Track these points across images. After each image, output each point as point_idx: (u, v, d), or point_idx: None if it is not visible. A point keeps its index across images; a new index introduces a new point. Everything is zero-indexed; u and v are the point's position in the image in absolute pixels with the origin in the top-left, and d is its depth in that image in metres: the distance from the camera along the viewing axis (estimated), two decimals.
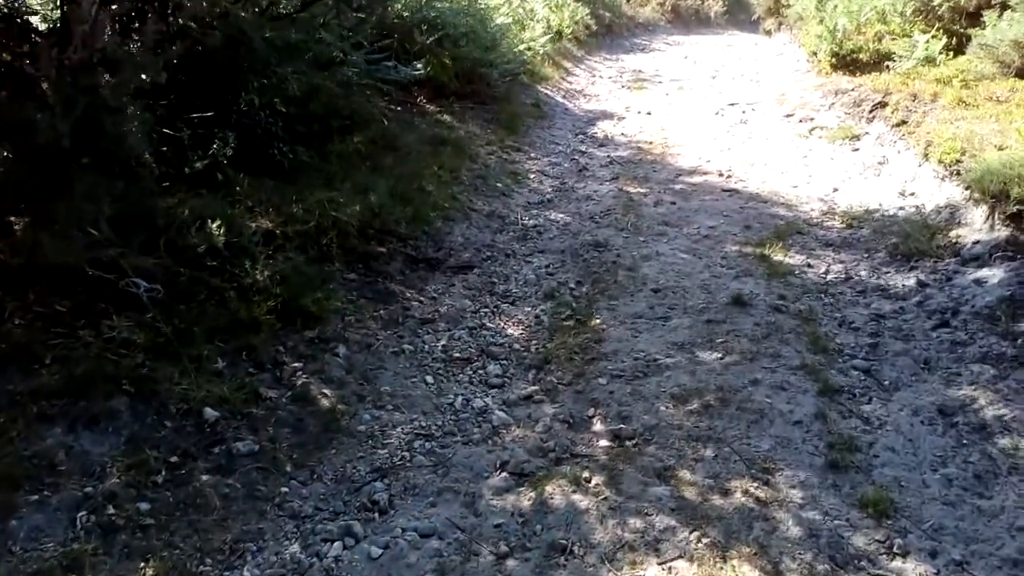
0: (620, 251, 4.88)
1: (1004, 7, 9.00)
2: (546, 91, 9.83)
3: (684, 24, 20.74)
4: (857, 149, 6.84)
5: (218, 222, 3.69)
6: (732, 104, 9.21)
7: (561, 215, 5.66)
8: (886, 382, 3.26)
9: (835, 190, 6.04)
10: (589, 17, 14.54)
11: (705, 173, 6.61)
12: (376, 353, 3.57)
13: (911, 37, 9.32)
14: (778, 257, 4.71)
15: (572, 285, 4.42)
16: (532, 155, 7.21)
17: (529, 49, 10.07)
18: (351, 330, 3.70)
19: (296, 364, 3.33)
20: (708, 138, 7.79)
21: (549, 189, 6.29)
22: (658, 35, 18.32)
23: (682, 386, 3.23)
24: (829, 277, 4.43)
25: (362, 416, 3.11)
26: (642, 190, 6.19)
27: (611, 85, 10.96)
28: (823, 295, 4.17)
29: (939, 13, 9.70)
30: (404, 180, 5.53)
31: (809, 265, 4.62)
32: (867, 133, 7.02)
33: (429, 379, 3.43)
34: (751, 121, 8.38)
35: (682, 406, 3.11)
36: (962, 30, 9.48)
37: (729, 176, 6.50)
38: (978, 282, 3.92)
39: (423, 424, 3.10)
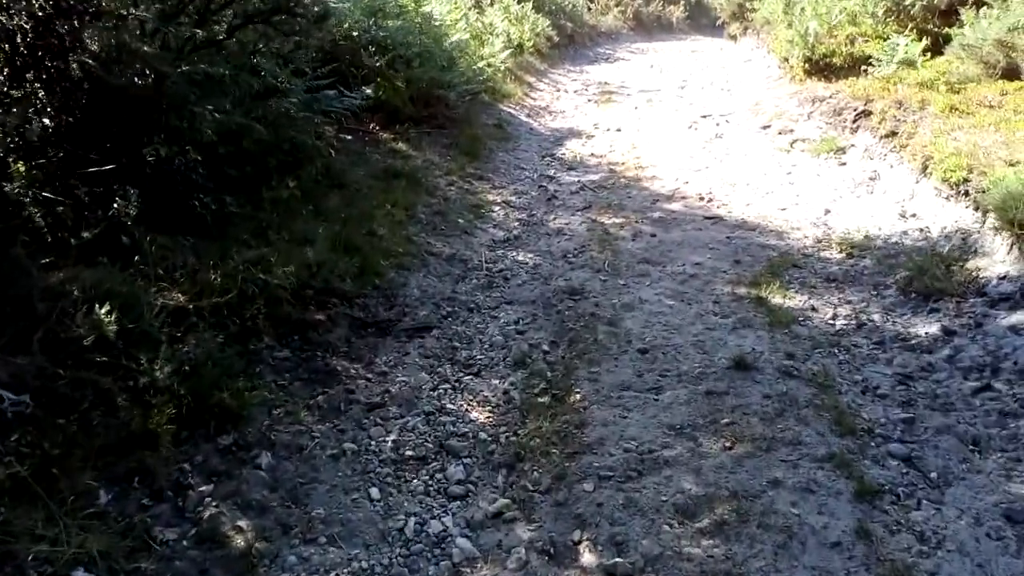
0: (598, 299, 4.23)
1: (980, 4, 8.58)
2: (509, 109, 9.19)
3: (647, 31, 20.30)
4: (844, 163, 6.29)
5: (109, 305, 2.97)
6: (705, 116, 8.65)
7: (530, 255, 5.01)
8: (933, 474, 2.64)
9: (827, 212, 5.46)
10: (551, 28, 13.96)
11: (684, 198, 6.00)
12: (309, 459, 2.87)
13: (885, 39, 8.86)
14: (777, 299, 4.10)
15: (546, 347, 3.75)
16: (496, 183, 6.55)
17: (489, 66, 9.43)
18: (279, 428, 3.00)
19: (204, 487, 2.62)
20: (683, 156, 7.20)
21: (516, 223, 5.63)
22: (621, 43, 17.82)
23: (687, 492, 2.58)
24: (839, 324, 3.82)
25: (286, 558, 2.41)
26: (618, 220, 5.55)
27: (577, 99, 10.35)
28: (836, 349, 3.55)
29: (912, 13, 9.27)
30: (352, 224, 4.84)
31: (813, 308, 4.01)
32: (853, 145, 6.48)
33: (374, 492, 2.73)
34: (727, 135, 7.81)
35: (690, 523, 2.45)
36: (936, 29, 9.03)
37: (710, 200, 5.90)
38: (1015, 330, 3.34)
39: (364, 565, 2.41)
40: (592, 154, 7.56)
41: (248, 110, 4.90)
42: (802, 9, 10.60)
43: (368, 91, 6.69)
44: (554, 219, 5.69)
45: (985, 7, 8.04)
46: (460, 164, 6.72)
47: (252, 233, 4.34)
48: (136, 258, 3.48)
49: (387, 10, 7.88)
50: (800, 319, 3.87)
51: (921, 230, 4.78)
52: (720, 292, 4.25)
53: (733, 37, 14.74)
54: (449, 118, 7.76)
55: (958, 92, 6.55)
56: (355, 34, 7.29)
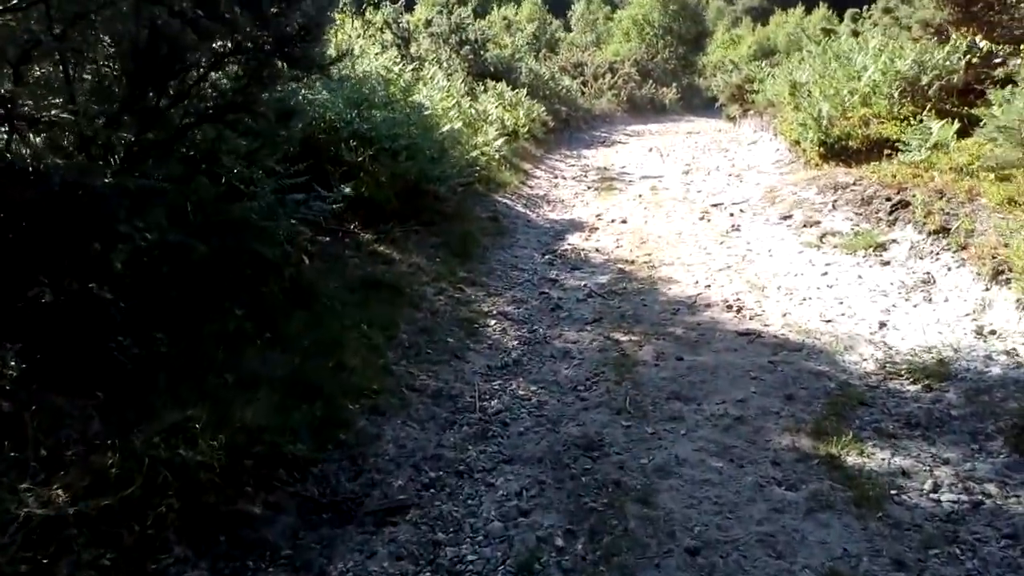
0: (623, 457, 3.26)
1: (1005, 82, 7.96)
2: (505, 200, 8.43)
3: (641, 113, 20.02)
4: (887, 263, 5.43)
5: None
6: (716, 205, 7.88)
7: (533, 387, 4.06)
8: None
9: (882, 325, 4.55)
10: (546, 113, 13.47)
11: (709, 306, 5.11)
12: None
13: (902, 120, 8.20)
14: (854, 459, 3.13)
15: (560, 540, 2.75)
16: (491, 289, 5.67)
17: (483, 154, 8.74)
18: None
19: None
20: (700, 252, 6.36)
21: (515, 342, 4.70)
22: (617, 125, 17.43)
23: None
24: (945, 501, 2.85)
25: None
26: (635, 337, 4.64)
27: (576, 187, 9.63)
28: (957, 549, 2.56)
29: (928, 93, 8.65)
30: (317, 354, 3.92)
31: (904, 473, 3.04)
32: (894, 241, 5.64)
33: None
34: (744, 227, 7.01)
35: None
36: (956, 109, 8.40)
37: (740, 309, 5.00)
38: None
39: None
40: (597, 250, 6.73)
41: (201, 219, 4.08)
42: (809, 92, 10.04)
43: (347, 189, 5.90)
44: (559, 336, 4.77)
45: (1012, 85, 7.40)
46: (450, 267, 5.86)
47: (186, 378, 3.41)
48: (5, 443, 2.53)
49: (373, 101, 7.21)
50: (892, 493, 2.89)
51: (1009, 353, 3.86)
52: (778, 446, 3.29)
53: (732, 119, 14.25)
54: (440, 212, 6.97)
55: (1006, 180, 5.77)
56: (338, 126, 6.58)
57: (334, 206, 5.08)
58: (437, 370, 4.20)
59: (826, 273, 5.52)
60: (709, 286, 5.49)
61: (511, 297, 5.50)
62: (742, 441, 3.35)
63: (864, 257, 5.61)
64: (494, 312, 5.17)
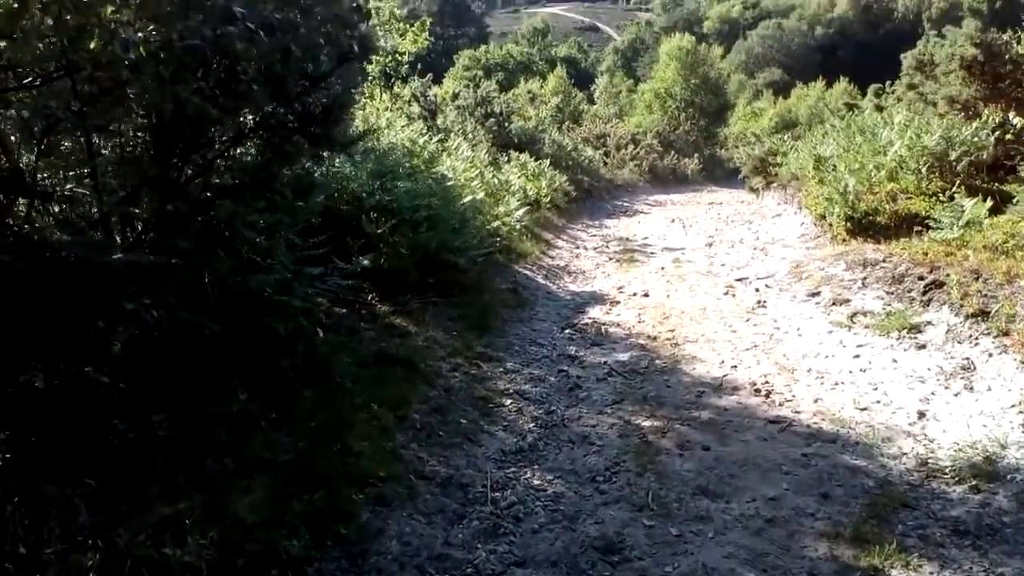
0: (644, 563, 2.99)
1: None
2: (525, 271, 8.32)
3: (663, 183, 20.09)
4: (923, 346, 5.16)
5: None
6: (741, 279, 7.69)
7: (549, 477, 3.81)
8: None
9: (921, 415, 4.27)
10: (568, 183, 13.52)
11: (736, 389, 4.86)
12: None
13: (930, 196, 8.03)
14: (899, 573, 2.84)
15: None
16: (509, 365, 5.48)
17: (504, 224, 8.69)
18: None
19: None
20: (724, 330, 6.14)
21: (531, 424, 4.48)
22: (639, 195, 17.46)
23: None
24: None
25: None
26: (657, 422, 4.39)
27: (597, 257, 9.52)
28: None
29: (956, 169, 8.49)
30: (324, 437, 3.74)
31: None
32: (929, 323, 5.38)
33: None
34: (771, 303, 6.79)
35: None
36: (986, 185, 8.23)
37: (769, 393, 4.75)
38: None
39: None
40: (618, 325, 6.53)
41: (218, 292, 4.00)
42: (834, 166, 9.94)
43: (365, 262, 5.83)
44: (578, 418, 4.54)
45: None
46: (467, 341, 5.69)
47: (185, 463, 3.25)
48: None
49: (397, 172, 7.23)
50: None
51: None
52: (815, 554, 3.00)
53: (755, 191, 14.18)
54: (459, 284, 6.85)
55: None
56: (361, 198, 6.59)
57: (349, 282, 4.98)
58: (448, 455, 3.98)
59: (858, 355, 5.26)
60: (736, 367, 5.25)
61: (528, 374, 5.30)
62: (775, 547, 3.06)
63: (898, 339, 5.35)
64: (510, 390, 4.96)
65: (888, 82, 21.55)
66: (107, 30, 2.49)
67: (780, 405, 4.56)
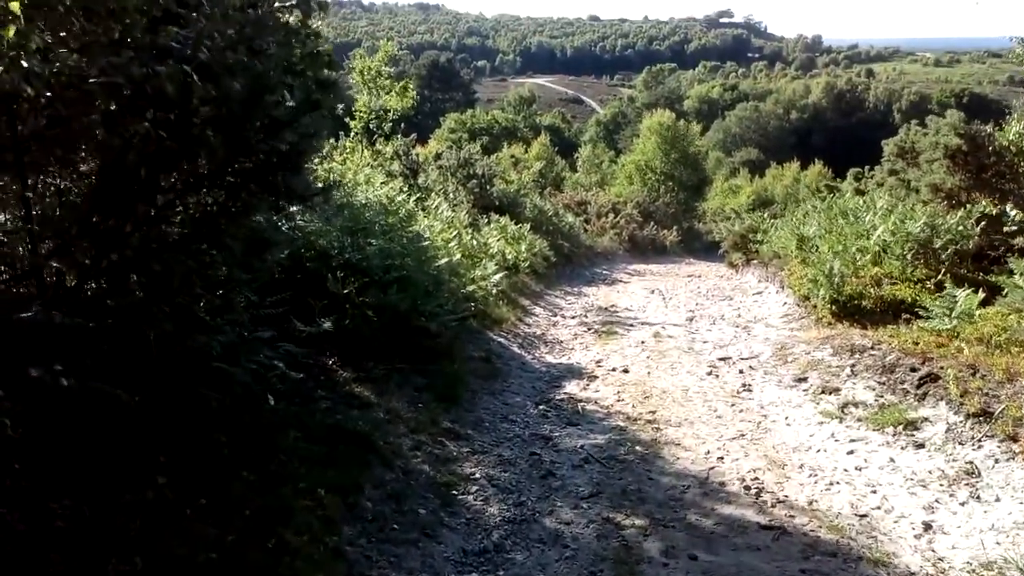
0: None
1: (1015, 250, 7.68)
2: (500, 338, 7.89)
3: (641, 253, 19.98)
4: (921, 445, 4.79)
5: None
6: (724, 359, 7.33)
7: None
8: None
9: (927, 527, 3.85)
10: (548, 248, 13.26)
11: (723, 485, 4.42)
12: None
13: (915, 282, 7.85)
14: None
15: None
16: (477, 444, 5.00)
17: (480, 289, 8.31)
18: None
19: None
20: (709, 414, 5.73)
21: (498, 518, 3.98)
22: (618, 264, 17.26)
23: None
24: None
25: None
26: (639, 521, 3.92)
27: (576, 327, 9.14)
28: None
29: (941, 257, 8.35)
30: (257, 529, 3.23)
31: None
32: (926, 420, 5.03)
33: None
34: (756, 387, 6.41)
35: None
36: (970, 274, 8.08)
37: (759, 492, 4.31)
38: None
39: None
40: (596, 402, 6.10)
41: (157, 357, 3.53)
42: (815, 247, 9.80)
43: (327, 324, 5.40)
44: (551, 512, 4.05)
45: None
46: (433, 415, 5.22)
47: (85, 564, 2.71)
48: None
49: (371, 230, 6.87)
50: None
51: None
52: None
53: (734, 266, 14.03)
54: (429, 350, 6.38)
55: None
56: (331, 252, 6.18)
57: (302, 350, 4.53)
58: (401, 554, 3.47)
59: (852, 451, 4.87)
60: (722, 458, 4.82)
61: (497, 457, 4.82)
62: None
63: (894, 435, 4.98)
64: (477, 475, 4.47)
65: (865, 167, 22.02)
66: (5, 56, 2.10)
67: (772, 507, 4.12)
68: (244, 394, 4.04)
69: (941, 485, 4.28)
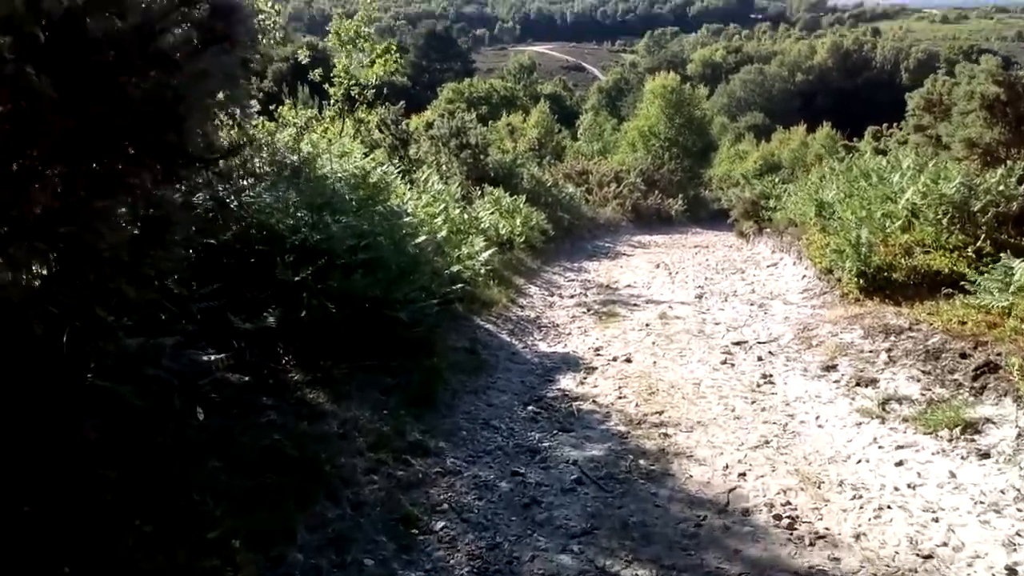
0: None
1: None
2: (488, 324, 7.01)
3: (646, 223, 18.96)
4: (987, 455, 3.89)
5: None
6: (739, 343, 6.43)
7: None
8: None
9: (1010, 571, 2.99)
10: (546, 221, 12.31)
11: (748, 513, 3.54)
12: None
13: (951, 250, 6.92)
14: None
15: None
16: (449, 462, 4.13)
17: (467, 268, 7.41)
18: None
19: None
20: (725, 414, 4.85)
21: (466, 568, 3.13)
22: (621, 236, 16.30)
23: None
24: None
25: None
26: (642, 571, 3.06)
27: (574, 309, 8.23)
28: None
29: (980, 221, 7.37)
30: None
31: None
32: (989, 421, 4.13)
33: None
34: (778, 377, 5.52)
35: None
36: (1012, 240, 7.13)
37: (792, 521, 3.44)
38: None
39: None
40: (594, 400, 5.22)
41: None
42: (832, 212, 8.83)
43: (271, 319, 4.54)
44: (531, 559, 3.19)
45: None
46: (400, 424, 4.35)
47: None
48: None
49: (340, 205, 5.96)
50: None
51: None
52: None
53: (744, 236, 13.04)
54: (403, 342, 5.49)
55: None
56: (284, 233, 5.29)
57: (238, 349, 3.67)
58: None
59: (902, 462, 3.98)
60: (744, 474, 3.94)
61: (472, 478, 3.96)
62: None
63: (950, 441, 4.09)
64: (445, 506, 3.61)
65: (872, 127, 20.82)
66: None
67: (811, 545, 3.25)
68: (146, 415, 3.19)
69: (1020, 510, 3.40)
